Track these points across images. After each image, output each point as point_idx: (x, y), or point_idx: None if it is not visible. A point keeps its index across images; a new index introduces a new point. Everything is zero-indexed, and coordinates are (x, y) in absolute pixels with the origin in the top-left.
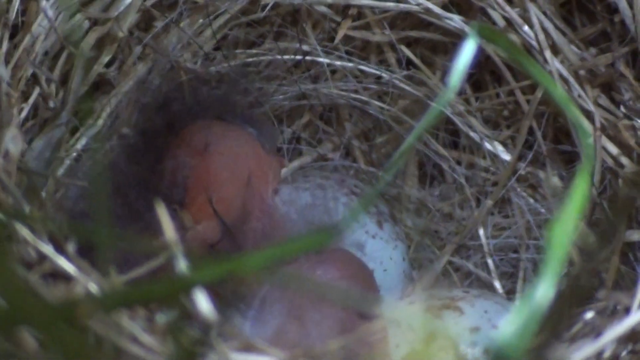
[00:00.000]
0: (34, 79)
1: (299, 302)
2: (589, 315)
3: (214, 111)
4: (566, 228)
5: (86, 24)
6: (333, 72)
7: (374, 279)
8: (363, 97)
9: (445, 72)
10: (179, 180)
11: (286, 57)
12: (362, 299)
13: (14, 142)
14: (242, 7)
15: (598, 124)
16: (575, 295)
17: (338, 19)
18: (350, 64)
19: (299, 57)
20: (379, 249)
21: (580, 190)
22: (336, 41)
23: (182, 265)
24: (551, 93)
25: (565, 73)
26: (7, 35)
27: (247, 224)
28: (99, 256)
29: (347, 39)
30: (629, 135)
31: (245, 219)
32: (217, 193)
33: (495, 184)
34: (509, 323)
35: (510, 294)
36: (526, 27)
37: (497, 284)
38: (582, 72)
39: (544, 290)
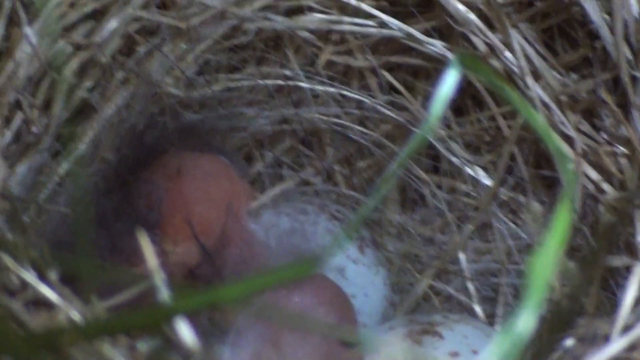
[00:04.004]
0: (17, 105)
1: (277, 327)
2: (569, 342)
3: (194, 139)
4: (548, 257)
5: (69, 49)
6: (315, 96)
7: (352, 305)
8: (345, 122)
9: (426, 97)
10: (155, 203)
11: (268, 81)
12: (340, 328)
13: None
14: (224, 33)
15: (579, 150)
16: (556, 323)
17: (320, 44)
18: (332, 89)
19: (281, 82)
20: (361, 274)
21: (562, 219)
22: (318, 66)
23: (164, 294)
24: (532, 123)
25: (546, 99)
26: None
27: (226, 249)
28: (81, 284)
29: (329, 64)
30: (610, 162)
31: (225, 245)
32: (195, 214)
33: (476, 208)
34: (490, 353)
35: (490, 318)
36: (508, 53)
37: (478, 308)
38: (563, 98)
39: (526, 320)
